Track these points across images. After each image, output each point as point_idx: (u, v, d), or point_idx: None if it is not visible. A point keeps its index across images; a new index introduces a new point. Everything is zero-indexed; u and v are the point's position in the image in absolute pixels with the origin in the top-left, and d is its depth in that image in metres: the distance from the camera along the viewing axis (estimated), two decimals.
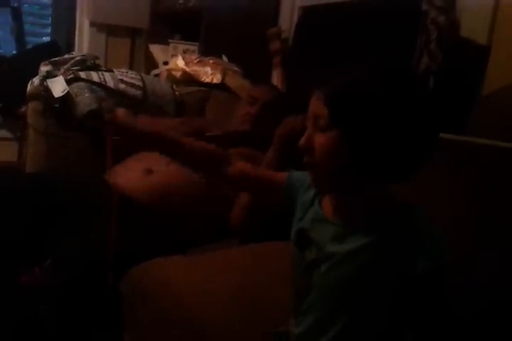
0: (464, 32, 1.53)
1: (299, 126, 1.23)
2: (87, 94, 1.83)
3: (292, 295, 0.85)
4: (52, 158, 1.84)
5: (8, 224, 1.38)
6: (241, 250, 1.28)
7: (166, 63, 2.64)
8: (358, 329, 0.75)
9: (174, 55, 2.57)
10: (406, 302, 0.73)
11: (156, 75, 2.45)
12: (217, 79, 2.22)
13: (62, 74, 1.88)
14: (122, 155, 1.65)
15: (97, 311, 1.20)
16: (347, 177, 0.73)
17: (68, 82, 1.84)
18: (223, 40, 2.47)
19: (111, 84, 1.92)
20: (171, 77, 2.31)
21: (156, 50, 2.82)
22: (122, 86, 1.95)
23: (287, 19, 2.24)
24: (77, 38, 3.02)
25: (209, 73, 2.23)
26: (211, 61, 2.29)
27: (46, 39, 3.09)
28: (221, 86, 2.21)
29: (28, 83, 1.89)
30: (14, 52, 2.89)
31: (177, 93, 2.13)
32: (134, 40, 3.11)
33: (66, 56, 2.02)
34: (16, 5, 2.84)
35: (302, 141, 0.75)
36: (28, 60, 2.46)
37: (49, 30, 3.12)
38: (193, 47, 2.67)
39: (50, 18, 3.11)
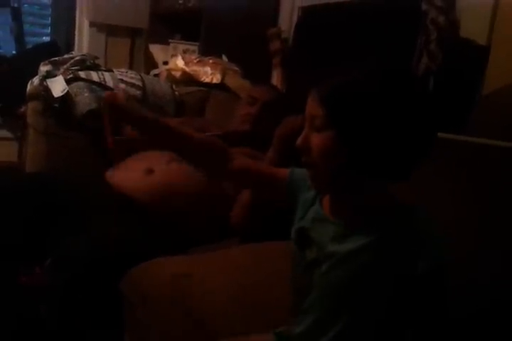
0: (463, 32, 1.54)
1: (299, 126, 1.23)
2: (86, 94, 1.83)
3: (292, 294, 0.85)
4: (52, 158, 1.84)
5: (8, 224, 1.38)
6: (241, 250, 1.28)
7: (165, 63, 2.64)
8: (358, 328, 0.76)
9: (174, 55, 2.58)
10: (406, 302, 0.73)
11: (156, 75, 2.46)
12: (217, 79, 2.22)
13: (61, 74, 1.88)
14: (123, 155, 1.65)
15: (98, 311, 1.20)
16: (346, 176, 0.73)
17: (68, 81, 1.84)
18: (223, 40, 2.47)
19: (110, 83, 1.92)
20: (170, 77, 2.31)
21: (156, 50, 2.82)
22: (122, 86, 1.95)
23: (287, 19, 2.24)
24: (76, 37, 3.02)
25: (209, 73, 2.23)
26: (211, 61, 2.29)
27: (46, 39, 3.09)
28: (221, 86, 2.21)
29: (27, 83, 1.89)
30: (14, 52, 2.89)
31: (177, 93, 2.13)
32: (134, 40, 3.11)
33: (66, 56, 2.02)
34: (15, 5, 2.84)
35: (299, 141, 0.75)
36: (27, 59, 2.46)
37: (49, 30, 3.12)
38: (193, 47, 2.67)
39: (49, 18, 3.11)
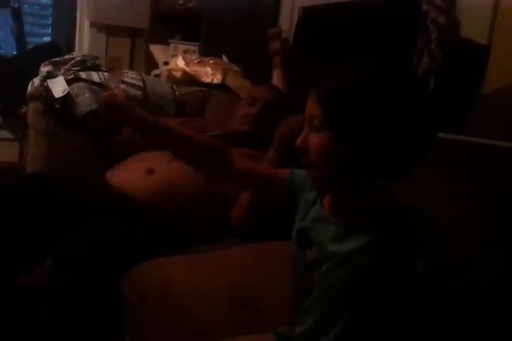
0: (464, 32, 1.53)
1: (299, 127, 1.23)
2: (87, 95, 1.83)
3: (292, 294, 0.85)
4: (52, 159, 1.84)
5: (8, 225, 1.38)
6: (241, 250, 1.28)
7: (166, 63, 2.64)
8: (358, 328, 0.75)
9: (174, 55, 2.58)
10: (406, 302, 0.73)
11: (157, 75, 2.46)
12: (217, 79, 2.22)
13: (62, 74, 1.88)
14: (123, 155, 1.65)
15: (98, 311, 1.20)
16: (345, 176, 0.73)
17: (69, 82, 1.85)
18: (223, 40, 2.47)
19: (111, 84, 1.92)
20: (171, 77, 2.31)
21: (157, 50, 2.82)
22: (122, 86, 1.95)
23: (287, 19, 2.25)
24: (77, 38, 3.02)
25: (209, 73, 2.23)
26: (211, 61, 2.29)
27: (46, 39, 3.09)
28: (221, 86, 2.21)
29: (28, 83, 1.90)
30: (14, 52, 2.89)
31: (177, 93, 2.13)
32: (135, 40, 3.11)
33: (66, 56, 2.02)
34: (16, 5, 2.84)
35: (298, 141, 0.76)
36: (28, 60, 2.46)
37: (49, 30, 3.12)
38: (194, 47, 2.67)
39: (50, 19, 3.11)
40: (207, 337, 0.96)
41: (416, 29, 1.51)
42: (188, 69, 2.27)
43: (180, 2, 2.72)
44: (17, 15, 2.82)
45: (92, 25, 2.95)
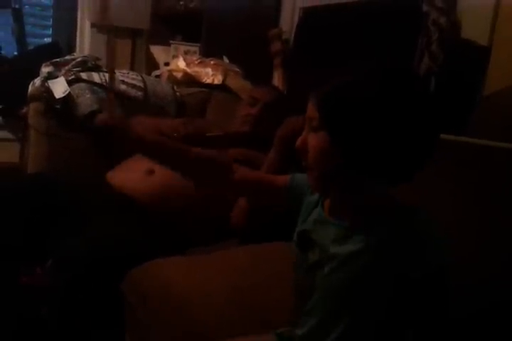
0: (464, 33, 1.54)
1: (300, 127, 1.23)
2: (88, 95, 1.83)
3: (294, 296, 0.85)
4: (53, 159, 1.84)
5: (9, 225, 1.38)
6: (240, 251, 1.28)
7: (167, 64, 2.64)
8: (360, 330, 0.75)
9: (175, 56, 2.58)
10: (407, 303, 0.73)
11: (157, 76, 2.46)
12: (218, 80, 2.22)
13: (63, 75, 1.88)
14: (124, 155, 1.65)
15: (98, 311, 1.20)
16: (344, 177, 0.73)
17: (69, 83, 1.85)
18: (224, 41, 2.47)
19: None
20: (172, 78, 2.31)
21: (157, 51, 2.83)
22: (123, 87, 1.96)
23: (288, 20, 2.25)
24: (78, 39, 3.02)
25: (210, 74, 2.23)
26: (212, 62, 2.29)
27: (47, 40, 3.10)
28: (222, 87, 2.21)
29: (29, 84, 1.90)
30: (15, 53, 2.89)
31: (178, 94, 2.13)
32: (135, 41, 3.11)
33: (67, 57, 2.03)
34: (17, 6, 2.84)
35: (298, 142, 0.77)
36: (29, 61, 2.46)
37: (50, 31, 3.13)
38: (194, 48, 2.67)
39: (51, 20, 3.11)
40: (206, 337, 0.96)
41: (417, 30, 1.51)
42: (188, 70, 2.28)
43: (181, 3, 2.72)
44: (18, 16, 2.82)
45: (93, 25, 2.95)
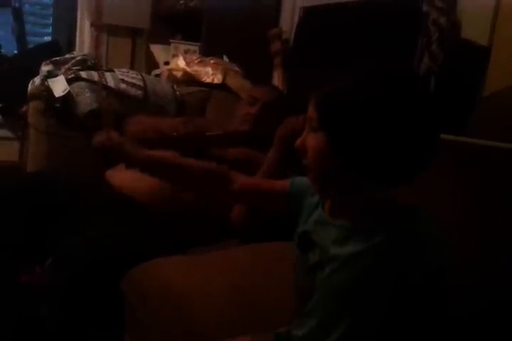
0: (464, 33, 1.54)
1: (300, 127, 1.23)
2: (87, 94, 1.83)
3: (295, 296, 0.85)
4: (53, 158, 1.84)
5: (9, 224, 1.38)
6: (240, 251, 1.28)
7: (166, 63, 2.64)
8: (360, 331, 0.75)
9: (175, 55, 2.58)
10: (407, 303, 0.73)
11: (157, 75, 2.46)
12: (218, 79, 2.22)
13: (63, 73, 1.88)
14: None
15: (98, 311, 1.20)
16: (343, 177, 0.73)
17: (69, 81, 1.85)
18: (224, 40, 2.47)
19: (112, 84, 1.93)
20: (171, 77, 2.31)
21: (157, 50, 2.83)
22: (123, 86, 1.96)
23: (288, 20, 2.25)
24: (78, 37, 3.02)
25: (210, 73, 2.23)
26: (212, 61, 2.29)
27: (47, 39, 3.10)
28: (222, 86, 2.21)
29: (29, 83, 1.90)
30: (15, 51, 2.89)
31: (178, 93, 2.13)
32: (135, 40, 3.11)
33: (67, 56, 2.03)
34: (17, 5, 2.84)
35: (298, 142, 0.77)
36: (29, 59, 2.46)
37: (50, 30, 3.13)
38: (194, 47, 2.67)
39: (51, 18, 3.11)
40: (206, 337, 0.96)
41: (417, 30, 1.51)
42: (188, 69, 2.27)
43: (181, 2, 2.72)
44: (18, 15, 2.82)
45: (93, 24, 2.95)
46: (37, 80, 1.87)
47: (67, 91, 1.81)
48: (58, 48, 2.68)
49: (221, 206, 1.44)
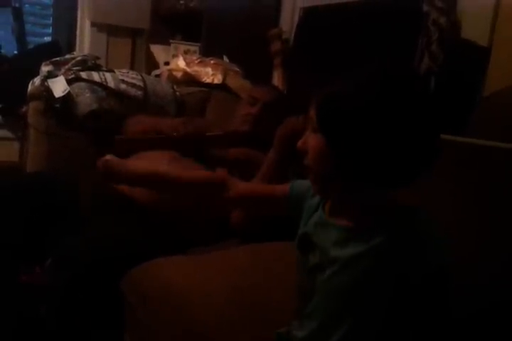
0: (464, 33, 1.54)
1: (300, 127, 1.24)
2: (87, 94, 1.83)
3: (296, 298, 0.85)
4: (53, 158, 1.84)
5: (9, 224, 1.38)
6: (240, 251, 1.28)
7: (167, 63, 2.64)
8: (361, 332, 0.75)
9: (175, 56, 2.58)
10: (408, 304, 0.73)
11: (157, 75, 2.46)
12: (218, 79, 2.22)
13: (63, 74, 1.88)
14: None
15: (98, 311, 1.20)
16: (342, 178, 0.73)
17: (69, 82, 1.85)
18: (224, 40, 2.47)
19: (112, 84, 1.93)
20: (171, 78, 2.31)
21: (157, 50, 2.83)
22: (123, 86, 1.96)
23: (288, 20, 2.25)
24: (78, 38, 3.02)
25: (210, 73, 2.24)
26: (212, 61, 2.29)
27: (47, 39, 3.10)
28: (222, 86, 2.21)
29: (29, 83, 1.90)
30: (15, 52, 2.89)
31: (178, 93, 2.13)
32: (135, 40, 3.11)
33: (67, 56, 2.02)
34: (17, 5, 2.84)
35: (300, 142, 0.78)
36: (29, 60, 2.46)
37: (50, 30, 3.12)
38: (194, 47, 2.67)
39: (51, 18, 3.11)
40: (206, 337, 0.96)
41: (417, 30, 1.51)
42: (188, 70, 2.28)
43: (181, 2, 2.72)
44: (18, 15, 2.82)
45: (93, 25, 2.95)
46: (37, 81, 1.87)
47: (67, 91, 1.81)
48: (58, 49, 2.68)
49: (221, 206, 1.45)
